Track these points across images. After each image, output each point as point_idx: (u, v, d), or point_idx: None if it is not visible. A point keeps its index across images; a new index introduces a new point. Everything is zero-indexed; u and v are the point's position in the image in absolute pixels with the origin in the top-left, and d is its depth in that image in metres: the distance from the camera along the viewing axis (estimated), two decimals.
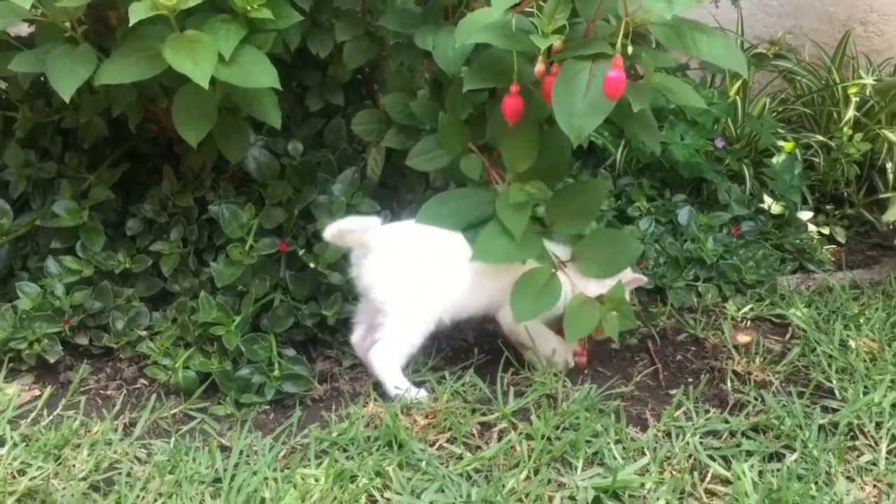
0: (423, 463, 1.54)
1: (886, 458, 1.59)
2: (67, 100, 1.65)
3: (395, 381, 1.73)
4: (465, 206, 1.78)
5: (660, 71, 1.67)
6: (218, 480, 1.50)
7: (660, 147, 2.30)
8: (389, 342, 1.74)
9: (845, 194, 2.64)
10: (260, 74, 1.68)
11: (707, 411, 1.72)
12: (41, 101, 2.02)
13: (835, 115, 2.66)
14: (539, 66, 1.58)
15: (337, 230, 1.73)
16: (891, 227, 2.53)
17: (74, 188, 1.97)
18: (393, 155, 1.99)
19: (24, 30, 1.90)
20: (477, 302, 1.80)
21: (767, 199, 2.47)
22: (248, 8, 1.66)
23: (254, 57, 1.68)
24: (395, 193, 2.06)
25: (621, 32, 1.48)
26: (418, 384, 1.77)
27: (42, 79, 1.95)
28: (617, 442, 1.61)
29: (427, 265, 1.76)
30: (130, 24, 1.55)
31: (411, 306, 1.75)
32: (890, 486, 1.53)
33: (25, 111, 2.00)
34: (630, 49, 1.49)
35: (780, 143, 2.55)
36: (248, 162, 1.99)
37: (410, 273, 1.75)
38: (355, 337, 1.83)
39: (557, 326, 1.82)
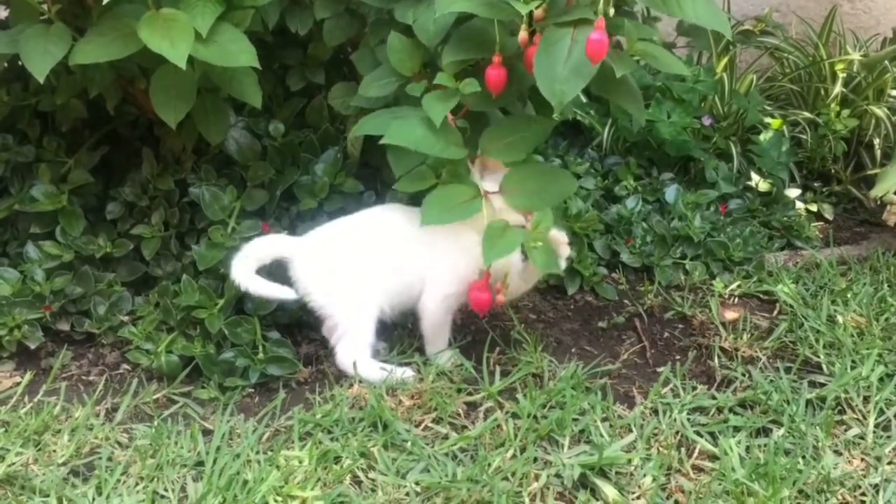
0: (409, 443, 1.53)
1: (874, 432, 1.59)
2: (41, 80, 1.62)
3: (373, 370, 1.71)
4: (397, 117, 1.71)
5: (643, 41, 1.64)
6: (200, 464, 1.48)
7: (645, 118, 2.29)
8: (346, 342, 1.73)
9: (833, 171, 2.63)
10: (238, 53, 1.65)
11: (694, 388, 1.71)
12: (18, 84, 1.99)
13: (822, 92, 2.65)
14: (522, 35, 1.56)
15: (243, 262, 1.73)
16: (878, 202, 2.53)
17: (53, 172, 1.94)
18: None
19: (0, 13, 1.87)
20: (410, 285, 1.75)
21: (755, 177, 2.46)
22: None
23: (232, 35, 1.66)
24: (378, 173, 2.03)
25: None
26: (405, 364, 1.75)
27: (18, 61, 1.93)
28: (604, 419, 1.60)
29: (349, 261, 1.73)
30: (105, 2, 1.52)
31: (348, 303, 1.72)
32: (878, 459, 1.53)
33: (2, 94, 1.97)
34: (612, 12, 1.47)
35: (768, 120, 2.54)
36: (228, 143, 1.97)
37: (336, 274, 1.73)
38: (325, 328, 1.81)
39: None
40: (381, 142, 1.64)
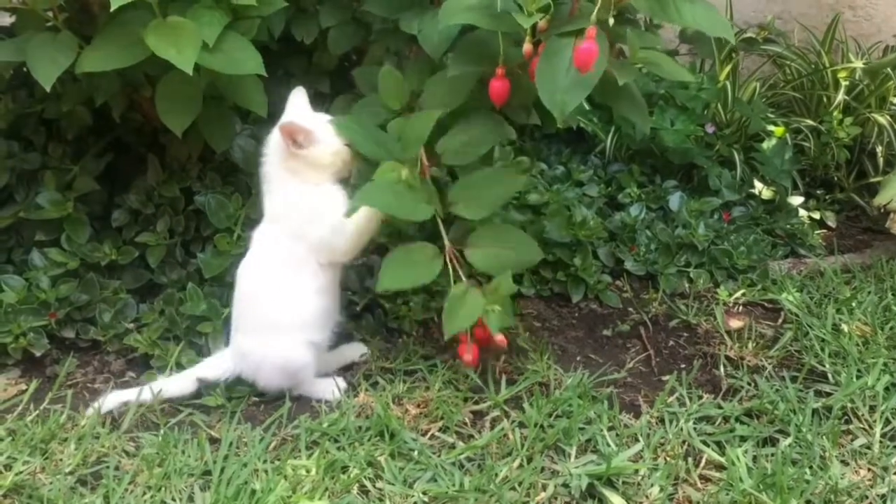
0: (416, 452, 1.53)
1: (880, 442, 1.59)
2: (49, 88, 1.62)
3: (313, 390, 1.71)
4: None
5: (645, 49, 1.65)
6: (207, 473, 1.48)
7: (650, 127, 2.30)
8: (306, 389, 1.70)
9: (835, 178, 2.64)
10: (245, 61, 1.65)
11: (700, 397, 1.71)
12: (23, 92, 1.99)
13: (824, 100, 2.66)
14: (526, 46, 1.57)
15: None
16: (881, 210, 2.53)
17: (59, 179, 1.94)
18: None
19: (6, 20, 1.87)
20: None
21: (758, 185, 2.46)
22: None
23: (238, 44, 1.66)
24: None
25: (598, 5, 1.46)
26: (409, 373, 1.75)
27: (24, 68, 1.93)
28: (610, 429, 1.60)
29: (269, 344, 1.66)
30: (112, 10, 1.52)
31: (282, 377, 1.68)
32: (884, 469, 1.53)
33: (7, 102, 1.97)
34: (611, 22, 1.47)
35: (771, 127, 2.54)
36: (234, 151, 1.97)
37: (267, 367, 1.67)
38: None
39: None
40: (352, 204, 1.59)
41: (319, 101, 2.05)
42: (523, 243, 1.74)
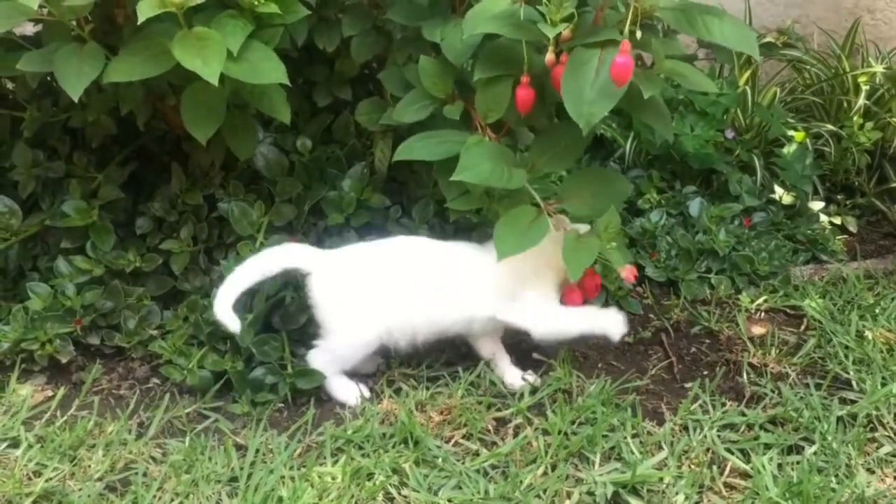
0: (440, 459, 1.54)
1: None
2: (76, 99, 1.63)
3: (336, 387, 1.73)
4: (440, 142, 1.74)
5: (669, 58, 1.65)
6: (234, 479, 1.50)
7: (672, 135, 2.29)
8: (321, 355, 1.73)
9: (856, 183, 2.63)
10: (269, 70, 1.66)
11: (723, 404, 1.71)
12: (48, 101, 2.01)
13: (845, 104, 2.64)
14: (549, 56, 1.57)
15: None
16: None
17: (83, 187, 1.96)
18: None
19: (30, 29, 1.89)
20: (432, 326, 1.73)
21: (778, 190, 2.45)
22: (255, 3, 1.65)
23: (262, 53, 1.67)
24: (405, 188, 2.04)
25: (629, 18, 1.47)
26: (432, 379, 1.76)
27: (49, 78, 1.95)
28: (634, 436, 1.60)
29: (365, 290, 1.71)
30: (139, 23, 1.53)
31: (346, 331, 1.71)
32: None
33: (33, 111, 1.98)
34: (639, 34, 1.48)
35: (791, 132, 2.53)
36: (256, 159, 1.98)
37: (348, 298, 1.71)
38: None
39: None
40: (454, 177, 1.62)
41: (341, 107, 2.08)
42: (611, 178, 1.82)
